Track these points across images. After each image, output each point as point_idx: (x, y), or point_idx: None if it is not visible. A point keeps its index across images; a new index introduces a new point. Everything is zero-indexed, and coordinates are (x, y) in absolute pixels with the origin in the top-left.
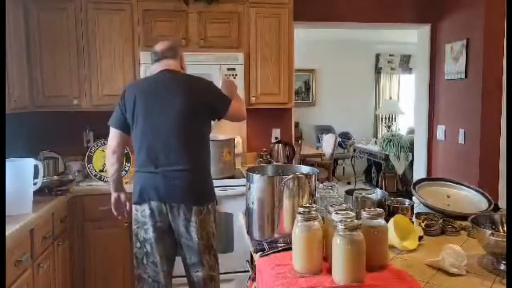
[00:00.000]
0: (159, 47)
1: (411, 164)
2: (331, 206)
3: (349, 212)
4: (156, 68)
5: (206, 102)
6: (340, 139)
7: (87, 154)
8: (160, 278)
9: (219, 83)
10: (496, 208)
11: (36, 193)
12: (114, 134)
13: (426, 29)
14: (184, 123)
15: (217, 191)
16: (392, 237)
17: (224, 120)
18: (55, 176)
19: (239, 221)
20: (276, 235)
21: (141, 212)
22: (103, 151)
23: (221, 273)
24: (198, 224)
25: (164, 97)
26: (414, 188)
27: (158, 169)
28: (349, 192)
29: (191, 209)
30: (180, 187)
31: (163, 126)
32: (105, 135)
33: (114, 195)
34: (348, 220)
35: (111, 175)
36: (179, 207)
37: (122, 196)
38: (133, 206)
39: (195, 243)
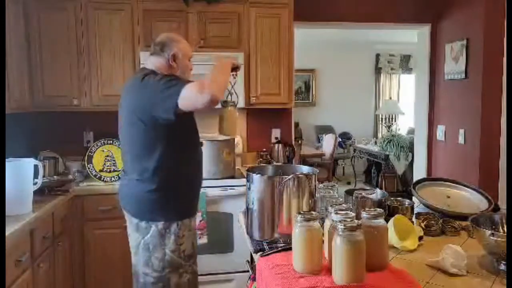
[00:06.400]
0: (156, 39)
1: (411, 164)
2: (331, 206)
3: (349, 212)
4: None
5: (145, 108)
6: (340, 139)
7: (87, 154)
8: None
9: None
10: (496, 208)
11: (36, 193)
12: None
13: (426, 29)
14: (126, 132)
15: (217, 191)
16: (392, 237)
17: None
18: (55, 176)
19: (239, 221)
20: (276, 235)
21: None
22: (103, 151)
23: (221, 273)
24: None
25: (120, 103)
26: (414, 188)
27: (121, 173)
28: (349, 192)
29: (132, 221)
30: (124, 194)
31: (121, 135)
32: (105, 135)
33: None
34: (348, 220)
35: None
36: (127, 216)
37: None
38: None
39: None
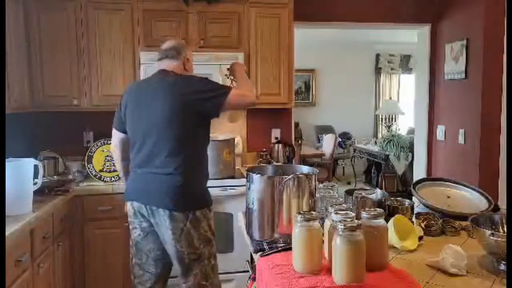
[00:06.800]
0: (163, 46)
1: (411, 164)
2: (331, 206)
3: (349, 212)
4: (157, 68)
5: (192, 104)
6: (340, 139)
7: (87, 154)
8: (143, 280)
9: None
10: (496, 208)
11: (36, 193)
12: (113, 133)
13: (426, 29)
14: (165, 128)
15: (217, 191)
16: (392, 237)
17: (223, 120)
18: (55, 176)
19: (239, 221)
20: (276, 235)
21: (129, 211)
22: (103, 151)
23: (221, 273)
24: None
25: (147, 101)
26: (414, 188)
27: (140, 170)
28: (349, 192)
29: (171, 214)
30: (158, 189)
31: (144, 131)
32: (105, 135)
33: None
34: (348, 220)
35: (119, 170)
36: (158, 211)
37: None
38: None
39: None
